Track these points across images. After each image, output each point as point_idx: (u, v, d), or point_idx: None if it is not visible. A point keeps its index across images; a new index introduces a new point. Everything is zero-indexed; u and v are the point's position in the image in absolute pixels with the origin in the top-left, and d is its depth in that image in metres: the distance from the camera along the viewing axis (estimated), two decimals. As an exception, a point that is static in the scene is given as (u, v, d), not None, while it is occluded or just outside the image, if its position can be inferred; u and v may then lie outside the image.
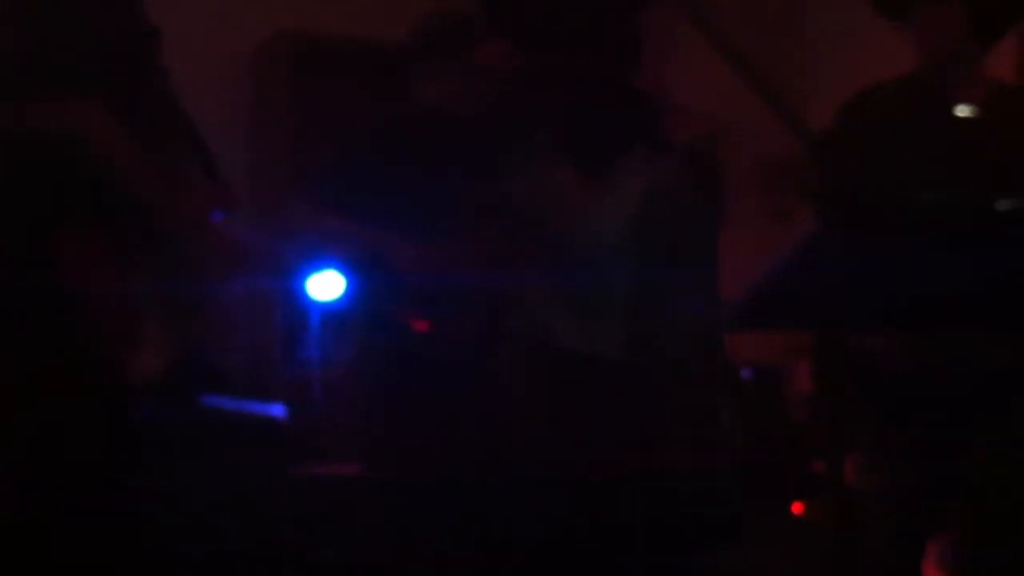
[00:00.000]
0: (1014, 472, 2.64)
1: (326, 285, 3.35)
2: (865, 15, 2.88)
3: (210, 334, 2.31)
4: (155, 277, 2.17)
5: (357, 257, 3.23)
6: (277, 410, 3.79)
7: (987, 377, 2.62)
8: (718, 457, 2.64)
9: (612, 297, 2.53)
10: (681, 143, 2.61)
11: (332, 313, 3.95)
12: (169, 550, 3.30)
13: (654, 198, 2.53)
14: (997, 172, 2.64)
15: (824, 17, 5.56)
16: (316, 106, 4.70)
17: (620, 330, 2.52)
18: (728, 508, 2.69)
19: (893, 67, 2.84)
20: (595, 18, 2.57)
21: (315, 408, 4.08)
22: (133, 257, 2.14)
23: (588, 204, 2.49)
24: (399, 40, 3.51)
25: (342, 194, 3.19)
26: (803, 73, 5.57)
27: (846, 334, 1.91)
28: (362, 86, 4.73)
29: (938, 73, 2.75)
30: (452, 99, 3.29)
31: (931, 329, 2.35)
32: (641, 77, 2.62)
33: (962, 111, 2.73)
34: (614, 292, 2.54)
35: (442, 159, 3.16)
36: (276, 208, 4.03)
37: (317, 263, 3.31)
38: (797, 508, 4.33)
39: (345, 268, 3.29)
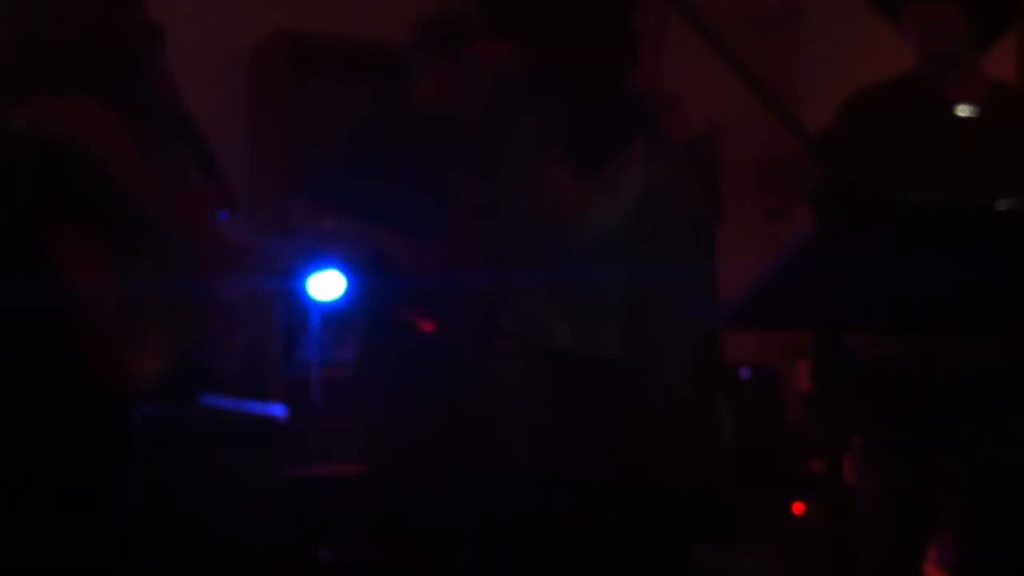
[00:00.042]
0: (1014, 472, 2.64)
1: (326, 285, 3.35)
2: (864, 15, 2.88)
3: (210, 334, 2.31)
4: (155, 277, 2.17)
5: (357, 256, 3.23)
6: (277, 410, 3.79)
7: (986, 377, 2.62)
8: (717, 457, 2.64)
9: (610, 296, 2.53)
10: (679, 142, 2.61)
11: (333, 313, 3.96)
12: (168, 550, 3.30)
13: (652, 197, 2.53)
14: (997, 172, 2.64)
15: (822, 16, 5.56)
16: (314, 105, 4.71)
17: (618, 329, 2.52)
18: (727, 508, 2.69)
19: (892, 67, 2.84)
20: (593, 17, 2.57)
21: (315, 408, 4.09)
22: (133, 257, 2.14)
23: (586, 203, 2.49)
24: (398, 40, 3.51)
25: (341, 193, 3.19)
26: (801, 72, 5.57)
27: (845, 334, 1.91)
28: (361, 86, 4.74)
29: (937, 73, 2.75)
30: (451, 98, 3.29)
31: (931, 329, 2.35)
32: (639, 76, 2.62)
33: (961, 111, 2.73)
34: (612, 291, 2.53)
35: (440, 158, 3.16)
36: (276, 208, 4.03)
37: (317, 263, 3.31)
38: (797, 508, 4.33)
39: (345, 268, 3.29)
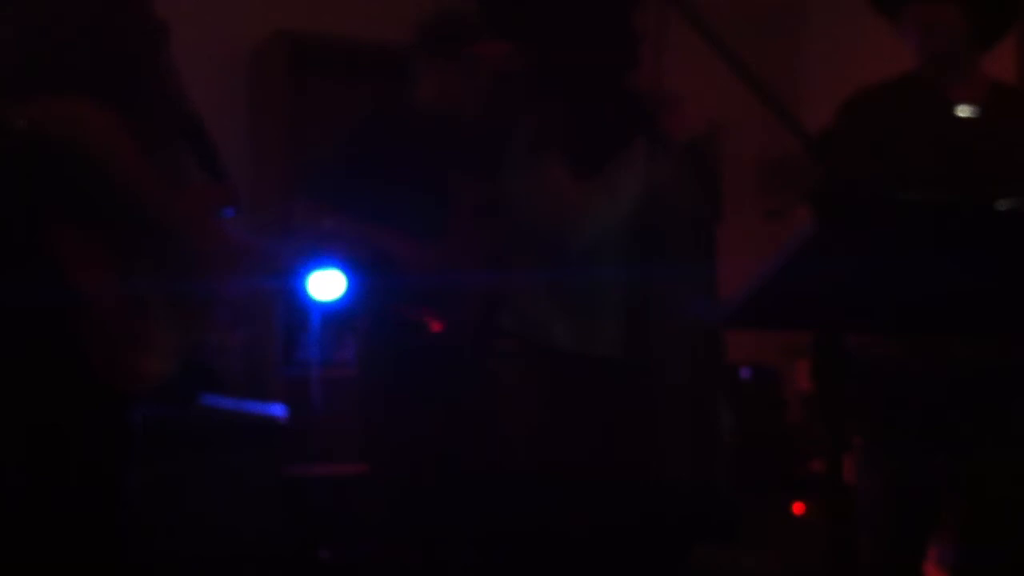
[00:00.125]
0: (1014, 472, 2.64)
1: (326, 285, 3.35)
2: (864, 15, 2.88)
3: (210, 334, 2.31)
4: (156, 277, 2.17)
5: (358, 256, 3.23)
6: (277, 410, 3.79)
7: (986, 377, 2.62)
8: (716, 457, 2.64)
9: (610, 296, 2.53)
10: (679, 142, 2.60)
11: (333, 312, 3.96)
12: (168, 550, 3.30)
13: (652, 197, 2.53)
14: (997, 172, 2.64)
15: (822, 16, 5.56)
16: (314, 105, 4.71)
17: (618, 329, 2.52)
18: (727, 508, 2.69)
19: (892, 67, 2.84)
20: (593, 17, 2.56)
21: (315, 408, 4.09)
22: (133, 257, 2.14)
23: (586, 203, 2.49)
24: (398, 40, 3.51)
25: (341, 193, 3.19)
26: (801, 72, 5.57)
27: (845, 334, 1.91)
28: (361, 86, 4.74)
29: (937, 73, 2.75)
30: (452, 98, 3.30)
31: (931, 329, 2.35)
32: (639, 76, 2.62)
33: (962, 111, 2.73)
34: (612, 291, 2.53)
35: (440, 158, 3.16)
36: (276, 207, 4.04)
37: (317, 262, 3.31)
38: (797, 508, 4.33)
39: (345, 267, 3.29)
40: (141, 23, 2.22)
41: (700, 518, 2.59)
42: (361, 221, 3.18)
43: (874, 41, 3.18)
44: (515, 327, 2.57)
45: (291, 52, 4.51)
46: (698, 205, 2.64)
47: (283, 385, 4.23)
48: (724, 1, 3.19)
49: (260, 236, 2.51)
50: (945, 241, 1.64)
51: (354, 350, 4.39)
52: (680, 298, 2.53)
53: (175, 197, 2.20)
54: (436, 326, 3.02)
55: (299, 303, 3.90)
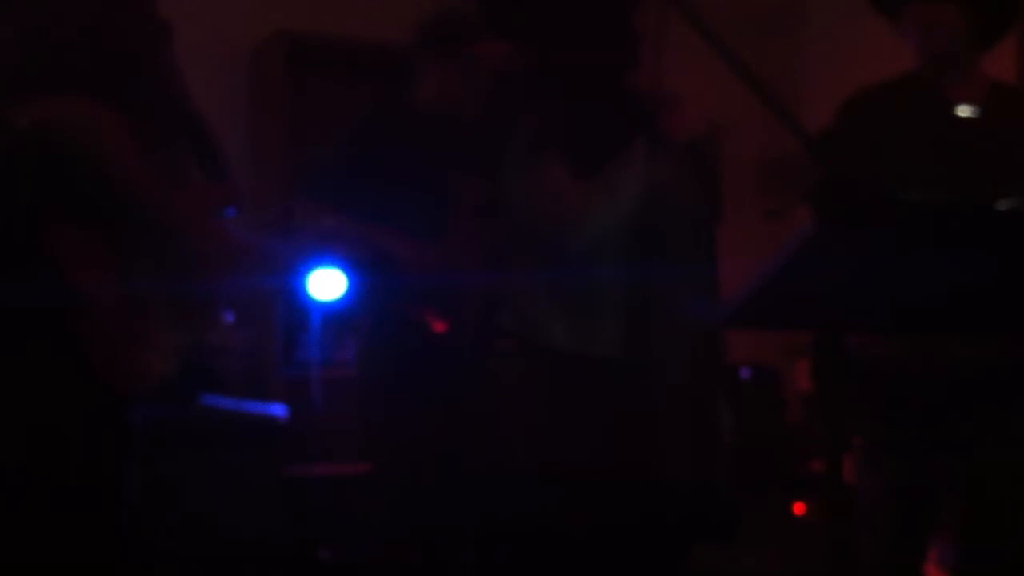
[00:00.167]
0: (1014, 472, 2.64)
1: (327, 284, 3.34)
2: (864, 15, 2.88)
3: (210, 334, 2.31)
4: (156, 276, 2.17)
5: (359, 256, 3.23)
6: (278, 410, 3.79)
7: (986, 377, 2.62)
8: (716, 457, 2.64)
9: (610, 296, 2.53)
10: (679, 142, 2.61)
11: (334, 312, 3.96)
12: (168, 550, 3.30)
13: (652, 197, 2.53)
14: (997, 172, 2.64)
15: (822, 16, 5.56)
16: (314, 105, 4.71)
17: (617, 329, 2.52)
18: (727, 508, 2.69)
19: (892, 67, 2.84)
20: (593, 17, 2.56)
21: (315, 408, 4.09)
22: (133, 257, 2.14)
23: (586, 203, 2.49)
24: (398, 40, 3.51)
25: (341, 193, 3.19)
26: (801, 72, 5.58)
27: (845, 334, 1.91)
28: (361, 86, 4.74)
29: (937, 73, 2.75)
30: (451, 98, 3.30)
31: (931, 329, 2.35)
32: (639, 76, 2.62)
33: (962, 111, 2.73)
34: (612, 291, 2.53)
35: (440, 158, 3.16)
36: (276, 207, 4.04)
37: (318, 262, 3.31)
38: (797, 508, 4.33)
39: (346, 267, 3.29)
40: (141, 23, 2.22)
41: (700, 518, 2.59)
42: (361, 221, 3.18)
43: (874, 41, 3.19)
44: (515, 327, 2.57)
45: (291, 52, 4.51)
46: (698, 205, 2.64)
47: (283, 385, 4.23)
48: (724, 1, 3.19)
49: (260, 236, 2.51)
50: (945, 241, 1.64)
51: (354, 350, 4.39)
52: (680, 298, 2.53)
53: (175, 197, 2.20)
54: (439, 326, 3.02)
55: (299, 303, 3.90)
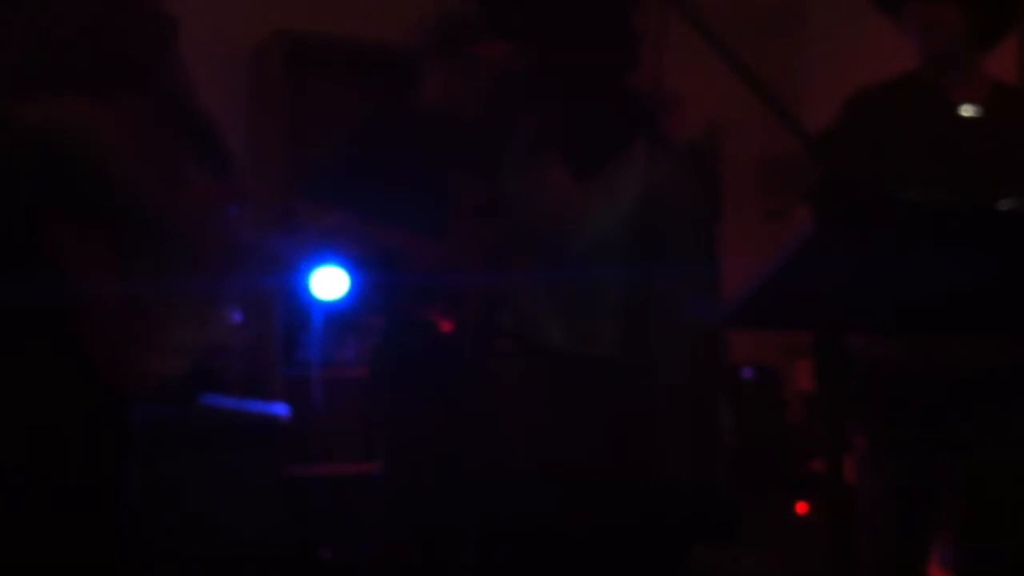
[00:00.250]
0: (1014, 472, 2.64)
1: (329, 283, 3.34)
2: (864, 14, 2.88)
3: (211, 333, 2.31)
4: (156, 276, 2.17)
5: (365, 254, 3.22)
6: (280, 409, 3.79)
7: (986, 377, 2.62)
8: (716, 457, 2.64)
9: (609, 296, 2.53)
10: (679, 142, 2.61)
11: (335, 312, 3.95)
12: (168, 550, 3.30)
13: (652, 197, 2.53)
14: (997, 172, 2.64)
15: (822, 16, 5.56)
16: (314, 105, 4.71)
17: (617, 329, 2.52)
18: (727, 508, 2.69)
19: (892, 67, 2.84)
20: (593, 17, 2.56)
21: (316, 408, 4.09)
22: (134, 256, 2.14)
23: (585, 203, 2.49)
24: (398, 40, 3.51)
25: (341, 193, 3.19)
26: (801, 72, 5.57)
27: (845, 334, 1.91)
28: (361, 86, 4.74)
29: (937, 73, 2.75)
30: (451, 97, 3.29)
31: (931, 329, 2.35)
32: (639, 76, 2.62)
33: (962, 111, 2.73)
34: (611, 291, 2.53)
35: (441, 158, 3.15)
36: (276, 206, 4.03)
37: (320, 260, 3.31)
38: (800, 508, 4.33)
39: (349, 266, 3.29)
40: (142, 23, 2.22)
41: (700, 518, 2.59)
42: (362, 218, 3.18)
43: (874, 41, 3.19)
44: (515, 327, 2.57)
45: (291, 52, 4.50)
46: (698, 205, 2.64)
47: (283, 385, 4.22)
48: (724, 1, 3.19)
49: (262, 234, 2.51)
50: (945, 241, 1.64)
51: (355, 350, 4.39)
52: (680, 298, 2.53)
53: (175, 197, 2.20)
54: (446, 326, 3.02)
55: (300, 302, 3.90)
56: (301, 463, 4.11)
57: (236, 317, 2.36)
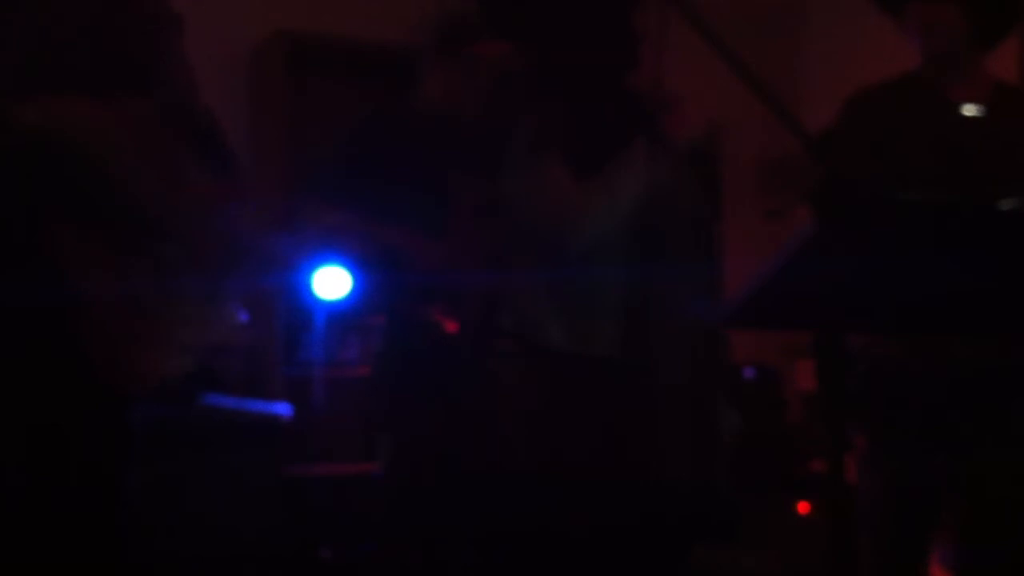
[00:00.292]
0: (1014, 472, 2.64)
1: (331, 283, 3.34)
2: (864, 14, 2.88)
3: (212, 333, 2.31)
4: (156, 276, 2.17)
5: (367, 254, 3.22)
6: (282, 408, 3.79)
7: (986, 377, 2.62)
8: (716, 457, 2.64)
9: (609, 296, 2.53)
10: (679, 142, 2.61)
11: (337, 312, 3.95)
12: (168, 550, 3.30)
13: (652, 197, 2.53)
14: (998, 172, 2.64)
15: (822, 16, 5.56)
16: (314, 105, 4.71)
17: (617, 330, 2.52)
18: (727, 508, 2.69)
19: (892, 67, 2.84)
20: (593, 17, 2.56)
21: (316, 408, 4.09)
22: (134, 256, 2.14)
23: (585, 203, 2.49)
24: (398, 40, 3.51)
25: (341, 193, 3.19)
26: (801, 72, 5.57)
27: (845, 334, 1.91)
28: (361, 86, 4.74)
29: (938, 73, 2.75)
30: (451, 97, 3.29)
31: (931, 329, 2.35)
32: (639, 76, 2.62)
33: (963, 111, 2.73)
34: (611, 291, 2.53)
35: (441, 158, 3.15)
36: (276, 207, 4.03)
37: (323, 260, 3.31)
38: (802, 507, 4.33)
39: (351, 265, 3.29)
40: (142, 23, 2.22)
41: (700, 518, 2.59)
42: (364, 217, 3.18)
43: (874, 41, 3.19)
44: (515, 327, 2.57)
45: (291, 52, 4.51)
46: (698, 205, 2.64)
47: (283, 385, 4.23)
48: (724, 1, 3.19)
49: (263, 234, 2.51)
50: (945, 241, 1.64)
51: (356, 350, 4.39)
52: (680, 298, 2.53)
53: (176, 196, 2.20)
54: (451, 326, 3.02)
55: (302, 302, 3.90)
56: (301, 463, 4.11)
57: (242, 317, 2.36)
